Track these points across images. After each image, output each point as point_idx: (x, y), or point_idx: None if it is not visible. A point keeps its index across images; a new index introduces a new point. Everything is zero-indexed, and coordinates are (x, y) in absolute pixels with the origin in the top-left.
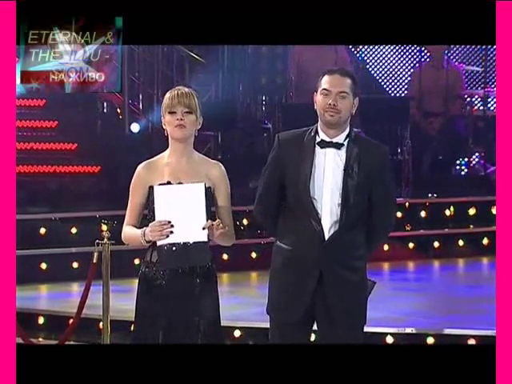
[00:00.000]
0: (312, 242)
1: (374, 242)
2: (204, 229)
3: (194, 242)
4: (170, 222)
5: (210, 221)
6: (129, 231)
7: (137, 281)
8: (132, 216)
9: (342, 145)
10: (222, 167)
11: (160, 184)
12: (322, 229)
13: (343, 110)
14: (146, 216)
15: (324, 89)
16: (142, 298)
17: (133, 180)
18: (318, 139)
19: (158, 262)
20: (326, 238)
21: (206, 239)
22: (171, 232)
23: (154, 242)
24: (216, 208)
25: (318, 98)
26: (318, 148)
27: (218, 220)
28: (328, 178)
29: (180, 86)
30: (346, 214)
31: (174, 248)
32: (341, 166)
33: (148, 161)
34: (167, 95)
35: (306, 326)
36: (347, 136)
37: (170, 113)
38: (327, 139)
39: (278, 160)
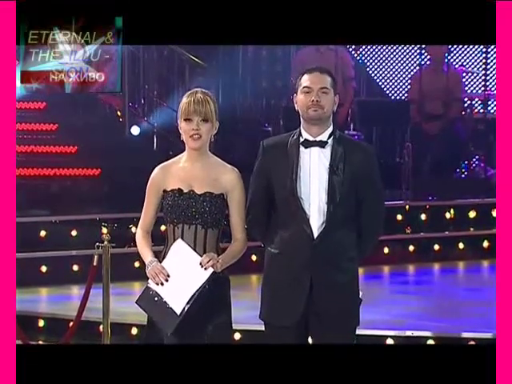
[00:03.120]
0: (302, 243)
1: (364, 245)
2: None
3: (170, 307)
4: (168, 276)
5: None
6: (143, 247)
7: (136, 283)
8: (146, 218)
9: (326, 143)
10: (237, 173)
11: (172, 190)
12: (311, 229)
13: (326, 105)
14: (163, 218)
15: (305, 87)
16: None
17: (148, 183)
18: (301, 140)
19: (139, 297)
20: (315, 237)
21: (178, 314)
22: (162, 283)
23: (167, 245)
24: (228, 214)
25: (300, 97)
26: (302, 148)
27: None
28: (314, 176)
29: (197, 88)
30: (333, 212)
31: (155, 298)
32: (326, 164)
33: (164, 164)
34: (184, 100)
35: (302, 330)
36: (331, 134)
37: (185, 120)
38: (311, 138)
39: (263, 166)
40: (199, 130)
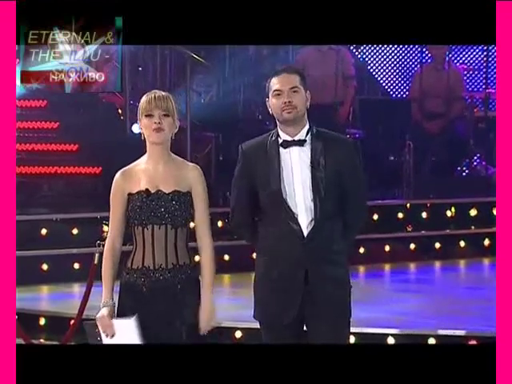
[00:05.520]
0: (293, 242)
1: (351, 235)
2: None
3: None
4: (113, 336)
5: None
6: (104, 275)
7: None
8: (115, 226)
9: (305, 141)
10: (200, 170)
11: (139, 191)
12: (300, 227)
13: (299, 104)
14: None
15: (275, 90)
16: (123, 305)
17: (112, 189)
18: (280, 141)
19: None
20: (305, 235)
21: None
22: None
23: (136, 248)
24: (193, 210)
25: (272, 101)
26: (281, 149)
27: None
28: (297, 175)
29: (156, 90)
30: (319, 208)
31: (98, 338)
32: (307, 161)
33: (124, 168)
34: (144, 99)
35: (299, 327)
36: (308, 132)
37: (146, 116)
38: (289, 138)
39: (244, 171)
40: (161, 124)
